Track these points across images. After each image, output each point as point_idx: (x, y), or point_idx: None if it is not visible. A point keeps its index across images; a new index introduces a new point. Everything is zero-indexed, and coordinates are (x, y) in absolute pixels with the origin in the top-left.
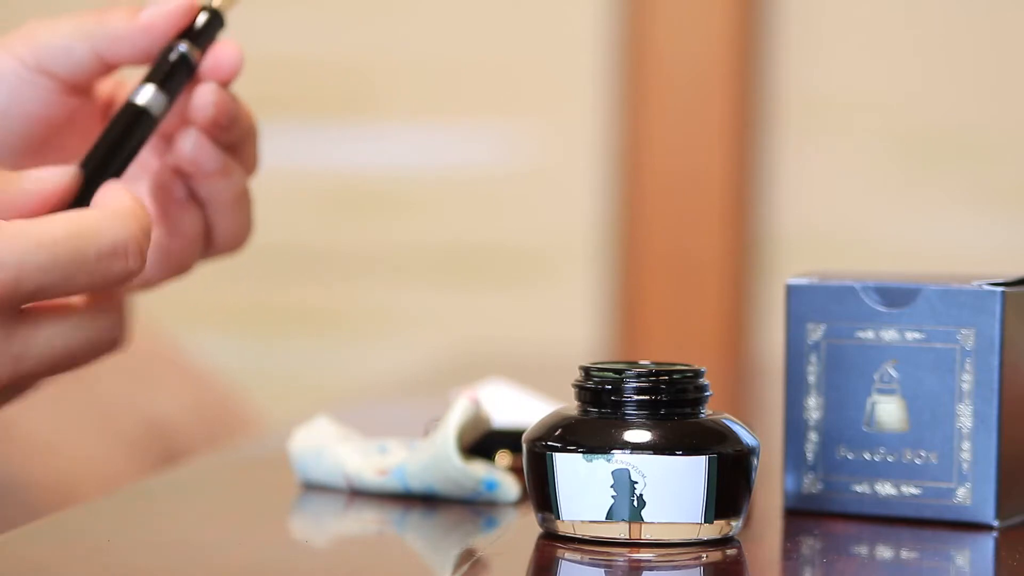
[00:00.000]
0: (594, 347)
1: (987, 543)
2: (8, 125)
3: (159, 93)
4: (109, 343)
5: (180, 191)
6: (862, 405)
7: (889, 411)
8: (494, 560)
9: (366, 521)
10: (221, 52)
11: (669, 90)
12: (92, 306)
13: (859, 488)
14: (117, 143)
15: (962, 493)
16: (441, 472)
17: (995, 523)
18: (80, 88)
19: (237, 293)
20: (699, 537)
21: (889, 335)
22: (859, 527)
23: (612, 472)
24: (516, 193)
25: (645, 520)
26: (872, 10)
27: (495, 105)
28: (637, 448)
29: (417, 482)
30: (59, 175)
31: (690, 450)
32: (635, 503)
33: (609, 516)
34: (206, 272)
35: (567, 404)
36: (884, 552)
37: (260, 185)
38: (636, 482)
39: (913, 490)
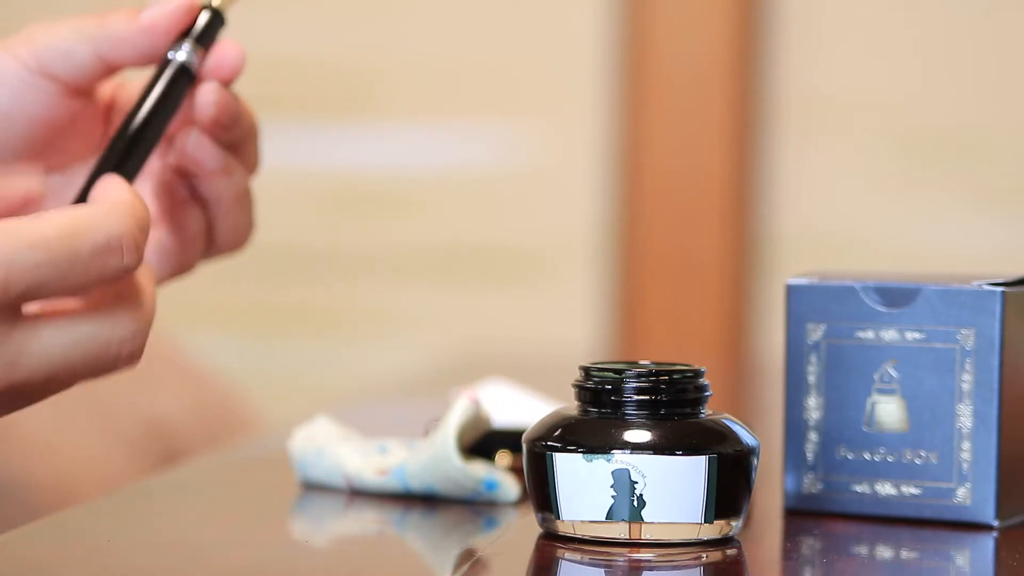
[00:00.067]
0: (594, 347)
1: (987, 543)
2: (10, 127)
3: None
4: (119, 359)
5: (182, 190)
6: (862, 405)
7: (889, 411)
8: (494, 560)
9: (366, 521)
10: (223, 52)
11: (669, 90)
12: (100, 316)
13: (859, 488)
14: (127, 148)
15: (962, 493)
16: (441, 472)
17: (995, 523)
18: (82, 90)
19: (237, 293)
20: (699, 537)
21: (889, 335)
22: (859, 527)
23: (612, 472)
24: (516, 193)
25: (645, 520)
26: (872, 10)
27: (495, 105)
28: (637, 448)
29: (417, 482)
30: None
31: (690, 450)
32: (635, 503)
33: (609, 516)
34: (206, 272)
35: (567, 404)
36: (884, 552)
37: (260, 185)
38: (636, 482)
39: (913, 490)
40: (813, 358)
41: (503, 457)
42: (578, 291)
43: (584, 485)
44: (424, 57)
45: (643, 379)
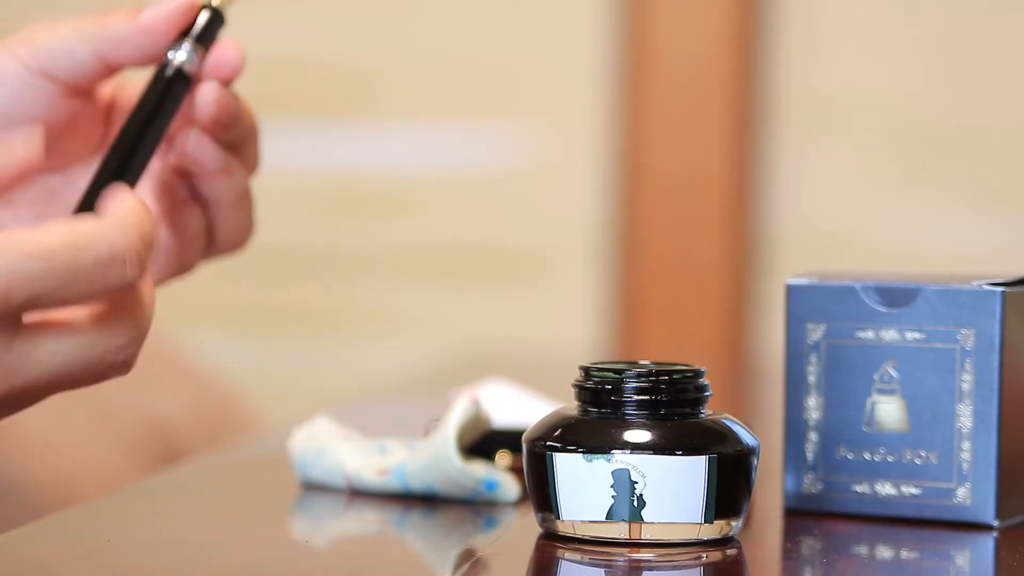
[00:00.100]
0: (594, 347)
1: (987, 543)
2: (10, 127)
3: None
4: (115, 365)
5: (182, 190)
6: (862, 405)
7: (889, 411)
8: (494, 560)
9: (366, 521)
10: (223, 51)
11: (669, 90)
12: (99, 324)
13: (859, 488)
14: (128, 152)
15: (962, 493)
16: (441, 472)
17: (995, 523)
18: (82, 91)
19: (237, 293)
20: (699, 537)
21: (889, 335)
22: (859, 527)
23: (612, 472)
24: (516, 193)
25: (645, 520)
26: (872, 10)
27: (495, 105)
28: (637, 448)
29: (417, 482)
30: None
31: (690, 450)
32: (635, 503)
33: (609, 516)
34: (206, 272)
35: (567, 404)
36: (884, 552)
37: (260, 185)
38: (636, 482)
39: (913, 490)
40: (813, 358)
41: (503, 457)
42: (578, 291)
43: (584, 485)
44: (424, 57)
45: (643, 379)
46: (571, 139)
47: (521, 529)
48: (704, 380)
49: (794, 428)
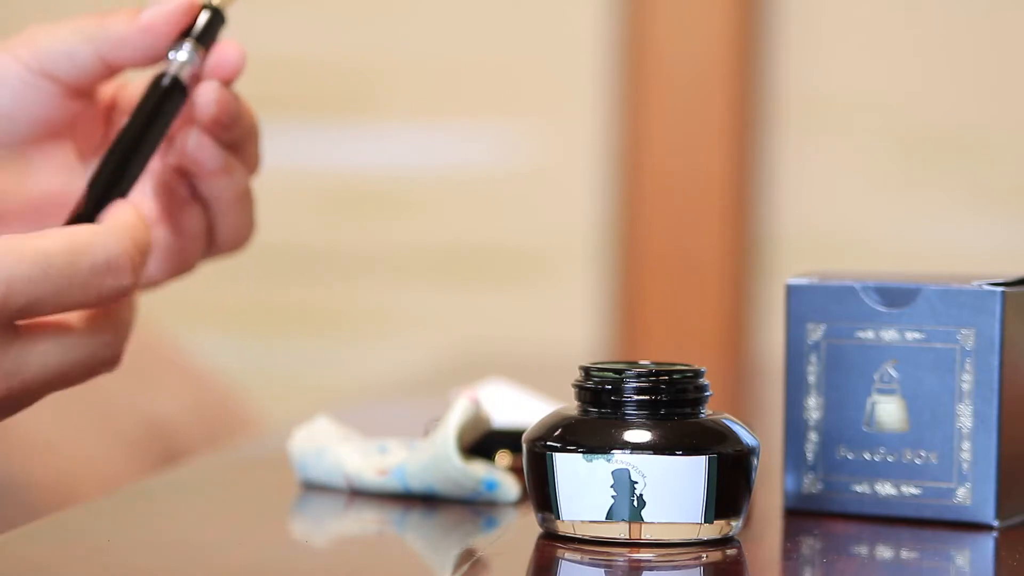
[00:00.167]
0: (594, 347)
1: (987, 543)
2: (11, 128)
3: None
4: (105, 362)
5: (182, 190)
6: (862, 405)
7: (889, 411)
8: (494, 560)
9: (366, 521)
10: (224, 51)
11: (669, 90)
12: (90, 324)
13: (859, 488)
14: (124, 161)
15: (962, 493)
16: (441, 472)
17: (995, 523)
18: (83, 91)
19: (237, 293)
20: (699, 537)
21: (889, 335)
22: (859, 527)
23: (612, 472)
24: (516, 193)
25: (645, 520)
26: (872, 10)
27: (495, 105)
28: (637, 448)
29: (417, 482)
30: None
31: (690, 450)
32: (635, 503)
33: (609, 516)
34: (206, 272)
35: (567, 404)
36: (884, 552)
37: (260, 185)
38: (636, 482)
39: (913, 490)
40: (813, 358)
41: (503, 457)
42: (578, 291)
43: (584, 485)
44: (424, 57)
45: (643, 379)
46: (571, 139)
47: (521, 529)
48: (704, 380)
49: (794, 428)
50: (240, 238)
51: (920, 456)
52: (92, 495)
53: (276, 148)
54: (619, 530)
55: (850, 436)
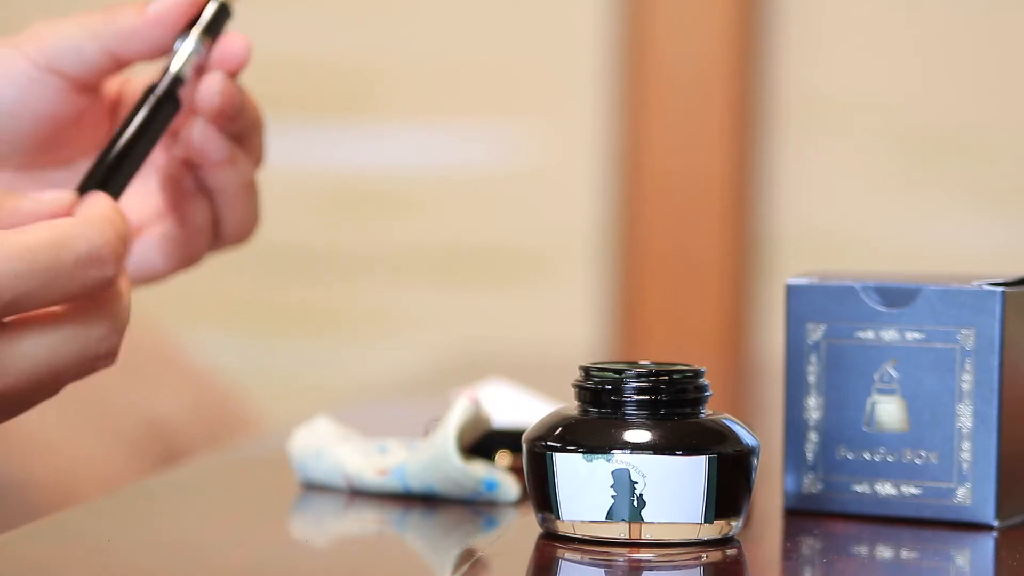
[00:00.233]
0: (594, 347)
1: (987, 543)
2: (18, 124)
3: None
4: (100, 356)
5: (188, 182)
6: (862, 405)
7: (889, 411)
8: (494, 560)
9: (366, 521)
10: (229, 43)
11: (669, 90)
12: (80, 317)
13: (859, 488)
14: (116, 163)
15: (962, 493)
16: (441, 472)
17: (995, 523)
18: (89, 86)
19: (237, 293)
20: (699, 537)
21: (889, 335)
22: (859, 527)
23: (612, 472)
24: (516, 193)
25: (645, 520)
26: (872, 10)
27: (495, 105)
28: (637, 448)
29: (417, 482)
30: (56, 198)
31: (690, 450)
32: (635, 503)
33: (609, 516)
34: (207, 271)
35: (567, 404)
36: (884, 552)
37: (260, 184)
38: (636, 482)
39: (913, 490)
40: (813, 358)
41: (503, 457)
42: (578, 291)
43: (584, 485)
44: (424, 57)
45: (643, 379)
46: (571, 139)
47: (521, 529)
48: (704, 380)
49: (794, 428)
50: (245, 230)
51: (920, 456)
52: (92, 495)
53: (276, 148)
54: (619, 530)
55: (850, 436)
